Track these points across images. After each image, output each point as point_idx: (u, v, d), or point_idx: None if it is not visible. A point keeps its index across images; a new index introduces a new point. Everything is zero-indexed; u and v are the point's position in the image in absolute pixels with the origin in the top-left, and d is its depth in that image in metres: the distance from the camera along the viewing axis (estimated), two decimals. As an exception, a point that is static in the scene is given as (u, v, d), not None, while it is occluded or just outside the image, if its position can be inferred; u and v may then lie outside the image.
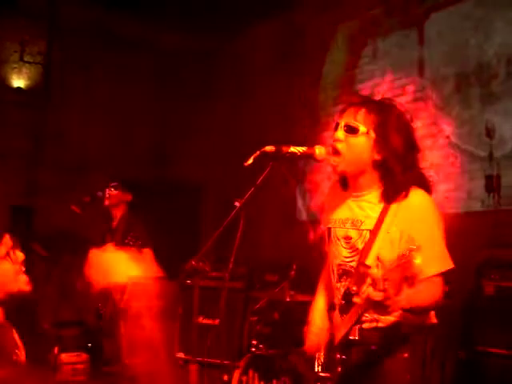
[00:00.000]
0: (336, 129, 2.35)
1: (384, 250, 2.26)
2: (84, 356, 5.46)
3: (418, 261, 1.88)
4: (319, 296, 2.72)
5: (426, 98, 5.54)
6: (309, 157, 2.34)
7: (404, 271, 1.90)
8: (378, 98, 2.50)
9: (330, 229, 2.52)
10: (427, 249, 2.14)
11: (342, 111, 2.37)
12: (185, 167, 7.85)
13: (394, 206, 2.30)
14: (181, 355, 5.69)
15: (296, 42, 7.17)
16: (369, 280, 1.94)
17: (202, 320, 4.84)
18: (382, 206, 2.33)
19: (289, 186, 5.18)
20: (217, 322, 5.16)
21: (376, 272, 1.93)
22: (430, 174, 5.14)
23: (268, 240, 6.90)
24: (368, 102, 2.39)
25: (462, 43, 5.25)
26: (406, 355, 2.31)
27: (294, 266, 4.91)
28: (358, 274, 2.28)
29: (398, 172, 2.28)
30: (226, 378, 4.75)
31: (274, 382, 4.19)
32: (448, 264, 2.27)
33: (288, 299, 4.55)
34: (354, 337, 2.26)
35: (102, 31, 7.34)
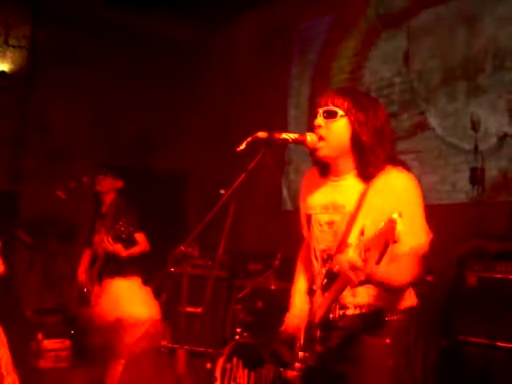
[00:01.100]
0: (315, 116, 2.40)
1: (366, 228, 2.29)
2: (67, 343, 5.44)
3: (399, 227, 1.91)
4: (299, 279, 2.74)
5: (413, 91, 5.58)
6: (300, 143, 2.35)
7: (385, 239, 1.93)
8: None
9: (310, 215, 2.54)
10: (406, 223, 2.21)
11: (319, 101, 2.42)
12: (170, 156, 7.83)
13: (373, 186, 2.34)
14: (164, 343, 5.70)
15: (283, 34, 7.16)
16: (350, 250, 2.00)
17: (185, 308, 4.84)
18: (361, 187, 2.36)
19: (274, 174, 5.19)
20: (200, 310, 5.18)
21: (358, 242, 1.98)
22: (415, 165, 5.24)
23: (252, 229, 6.91)
24: (341, 89, 2.48)
25: (449, 37, 5.29)
26: (388, 341, 2.32)
27: (279, 255, 4.93)
28: (340, 253, 2.30)
29: (373, 149, 2.34)
30: (209, 365, 4.76)
31: (259, 369, 4.21)
32: (422, 238, 2.27)
33: (273, 287, 4.56)
34: (335, 316, 2.30)
35: (89, 17, 7.27)
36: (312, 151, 2.39)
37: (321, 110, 2.39)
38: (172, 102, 7.88)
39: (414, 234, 2.24)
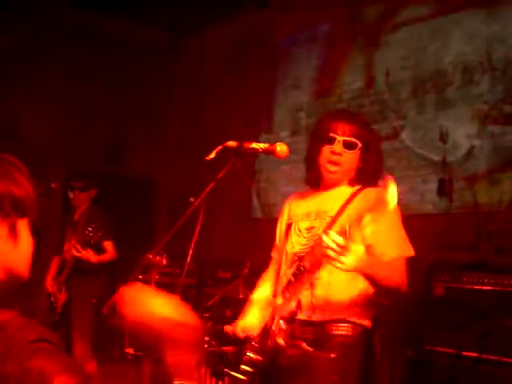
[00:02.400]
0: (332, 143, 2.45)
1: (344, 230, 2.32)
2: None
3: (392, 188, 1.96)
4: (265, 285, 2.71)
5: (383, 102, 5.63)
6: (270, 154, 2.37)
7: (379, 211, 1.99)
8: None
9: (290, 223, 2.57)
10: (389, 233, 2.27)
11: (336, 128, 2.48)
12: (139, 162, 7.77)
13: (360, 195, 2.43)
14: (130, 351, 5.64)
15: (256, 44, 7.17)
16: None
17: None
18: (347, 195, 2.45)
19: (244, 183, 5.19)
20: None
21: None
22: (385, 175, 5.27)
23: (222, 237, 6.89)
24: (356, 118, 2.58)
25: (419, 49, 5.36)
26: (333, 355, 2.32)
27: (248, 264, 4.91)
28: (313, 254, 2.32)
29: (373, 171, 2.50)
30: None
31: (226, 379, 4.18)
32: (409, 251, 2.37)
33: (241, 296, 4.55)
34: (299, 315, 2.33)
35: (59, 22, 7.18)
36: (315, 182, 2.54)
37: (340, 138, 2.46)
38: (143, 108, 7.82)
39: (396, 246, 2.33)
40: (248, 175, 6.49)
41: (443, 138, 5.01)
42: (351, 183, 2.51)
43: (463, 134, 4.92)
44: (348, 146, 2.45)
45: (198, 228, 2.35)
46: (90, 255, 4.83)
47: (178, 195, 5.48)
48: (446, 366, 3.81)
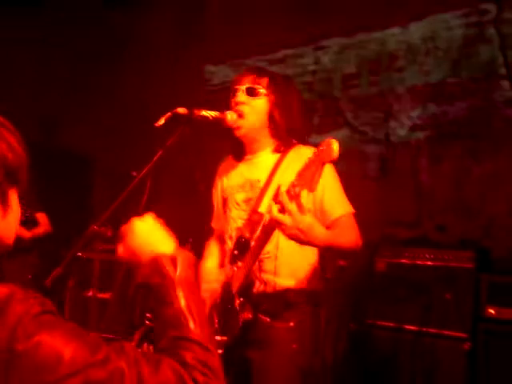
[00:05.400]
0: (235, 94, 2.41)
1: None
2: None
3: (335, 146, 1.94)
4: (210, 257, 2.70)
5: (329, 80, 5.63)
6: (220, 122, 2.33)
7: (322, 162, 1.96)
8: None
9: (226, 198, 2.54)
10: (329, 194, 2.31)
11: (238, 80, 2.45)
12: (77, 135, 7.52)
13: (286, 160, 2.39)
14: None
15: (202, 17, 7.06)
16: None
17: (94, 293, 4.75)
18: (274, 160, 2.40)
19: (189, 155, 5.12)
20: (109, 295, 5.05)
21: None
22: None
23: (165, 213, 6.79)
24: (259, 68, 2.54)
25: (365, 28, 5.38)
26: (291, 324, 2.33)
27: (190, 240, 4.86)
28: (251, 221, 2.31)
29: (288, 128, 2.42)
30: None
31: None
32: (351, 207, 2.41)
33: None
34: (258, 291, 2.33)
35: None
36: (231, 129, 2.38)
37: (242, 87, 2.40)
38: (83, 78, 7.56)
39: (341, 204, 2.36)
40: (193, 147, 6.40)
41: (387, 116, 5.06)
42: (274, 149, 2.45)
43: (406, 113, 4.98)
44: (251, 92, 2.39)
45: (144, 199, 2.28)
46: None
47: (117, 170, 5.35)
48: (388, 338, 3.89)
